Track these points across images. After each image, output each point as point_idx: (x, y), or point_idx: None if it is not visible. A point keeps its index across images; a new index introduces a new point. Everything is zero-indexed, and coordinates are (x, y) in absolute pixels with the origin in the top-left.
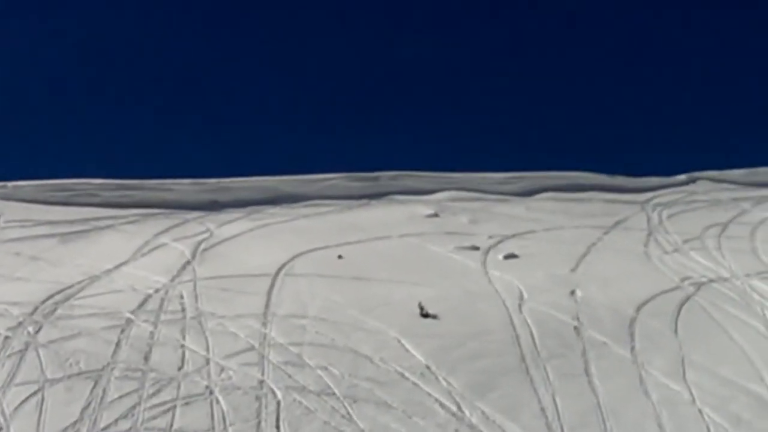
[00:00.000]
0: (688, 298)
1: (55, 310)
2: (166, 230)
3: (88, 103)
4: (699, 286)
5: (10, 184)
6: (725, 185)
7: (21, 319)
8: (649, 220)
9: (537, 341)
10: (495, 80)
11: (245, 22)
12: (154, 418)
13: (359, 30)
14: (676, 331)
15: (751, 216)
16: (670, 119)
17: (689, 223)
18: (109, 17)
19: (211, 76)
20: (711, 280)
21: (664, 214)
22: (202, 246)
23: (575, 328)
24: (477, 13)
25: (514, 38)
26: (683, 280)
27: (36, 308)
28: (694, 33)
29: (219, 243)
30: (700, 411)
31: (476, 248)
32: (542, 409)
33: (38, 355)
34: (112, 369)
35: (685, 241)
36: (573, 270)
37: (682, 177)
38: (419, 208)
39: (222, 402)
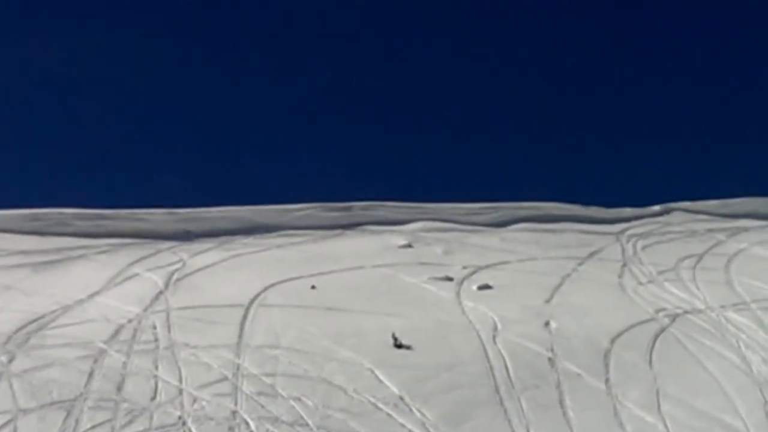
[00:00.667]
0: (662, 330)
1: (28, 339)
2: (139, 260)
3: (61, 132)
4: (674, 317)
5: None
6: (700, 216)
7: None
8: (623, 251)
9: (511, 373)
10: (468, 110)
11: (217, 48)
12: None
13: (330, 58)
14: (650, 362)
15: (726, 247)
16: (644, 150)
17: (664, 255)
18: (80, 44)
19: (184, 106)
20: (686, 312)
21: (639, 245)
22: (175, 276)
23: (549, 359)
24: (451, 39)
25: (487, 66)
26: (658, 311)
27: (9, 338)
28: (667, 63)
29: (192, 273)
30: None
31: (450, 279)
32: None
33: (11, 385)
34: (85, 399)
35: (660, 273)
36: (547, 301)
37: (657, 208)
38: (393, 238)
39: None
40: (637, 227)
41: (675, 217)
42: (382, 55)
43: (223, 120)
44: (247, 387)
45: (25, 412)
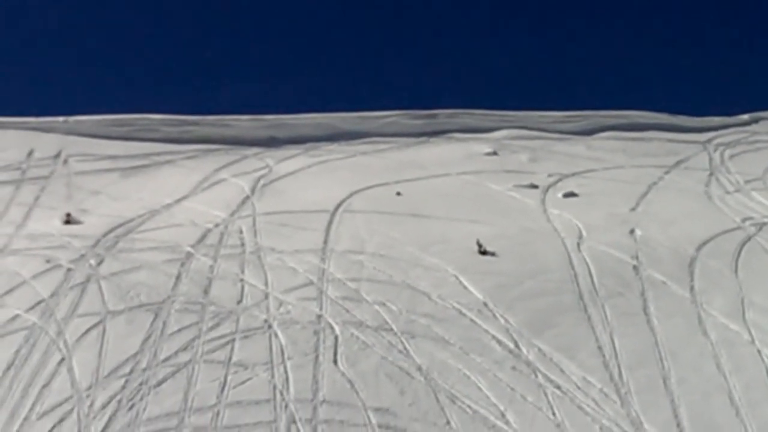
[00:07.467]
0: (749, 239)
1: (116, 243)
2: (226, 166)
3: (149, 38)
4: (760, 226)
5: (71, 118)
6: None
7: (83, 251)
8: (710, 159)
9: (595, 280)
10: (556, 16)
11: None
12: (213, 350)
13: None
14: (736, 271)
15: None
16: (732, 57)
17: (751, 164)
18: None
19: (270, 12)
20: None
21: (726, 154)
22: (261, 182)
23: (634, 267)
24: None
25: None
26: (744, 220)
27: (98, 241)
28: None
29: (278, 179)
30: (758, 351)
31: (535, 186)
32: (599, 348)
33: (100, 288)
34: (173, 302)
35: (747, 182)
36: (633, 209)
37: (745, 117)
38: (478, 146)
39: (280, 336)
40: (725, 136)
41: (763, 126)
42: None
43: (307, 25)
44: (332, 291)
45: (113, 314)
